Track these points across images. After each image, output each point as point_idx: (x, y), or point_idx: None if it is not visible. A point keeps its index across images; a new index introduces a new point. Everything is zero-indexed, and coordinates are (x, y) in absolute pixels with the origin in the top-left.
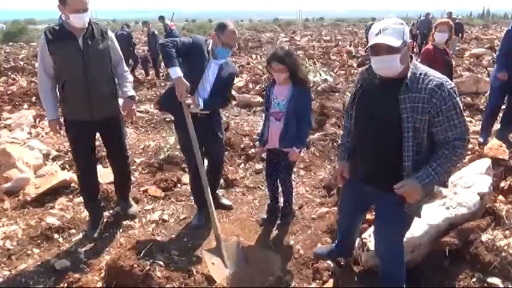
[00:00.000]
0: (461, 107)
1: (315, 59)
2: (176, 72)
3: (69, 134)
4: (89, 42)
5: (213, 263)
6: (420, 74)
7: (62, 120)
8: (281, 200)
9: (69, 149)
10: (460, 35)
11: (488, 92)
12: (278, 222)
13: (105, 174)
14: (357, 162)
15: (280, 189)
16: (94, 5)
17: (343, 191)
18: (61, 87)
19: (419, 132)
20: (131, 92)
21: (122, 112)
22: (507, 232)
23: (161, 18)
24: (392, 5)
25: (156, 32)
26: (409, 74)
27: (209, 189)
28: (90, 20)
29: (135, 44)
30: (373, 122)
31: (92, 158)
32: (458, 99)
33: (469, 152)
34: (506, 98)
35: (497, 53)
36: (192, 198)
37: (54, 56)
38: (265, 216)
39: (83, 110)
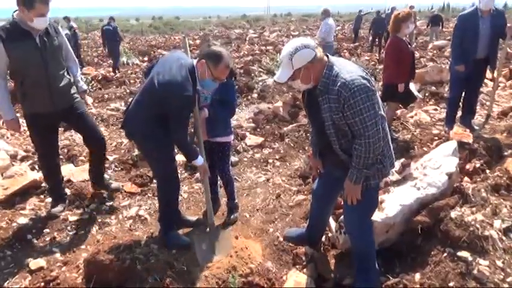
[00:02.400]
0: (367, 104)
1: None
2: (201, 159)
3: (33, 127)
4: (45, 39)
5: (202, 248)
6: (332, 75)
7: (19, 117)
8: (225, 198)
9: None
10: (440, 26)
11: (449, 83)
12: (226, 219)
13: (77, 173)
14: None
15: (221, 184)
16: (55, 3)
17: (319, 177)
18: (20, 83)
19: (340, 126)
20: (85, 87)
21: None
22: (474, 209)
23: (66, 18)
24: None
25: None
26: (321, 81)
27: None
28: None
29: (121, 39)
30: (314, 122)
31: (56, 150)
32: (361, 97)
33: (437, 138)
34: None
35: (451, 45)
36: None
37: (10, 54)
38: (214, 221)
39: (46, 103)
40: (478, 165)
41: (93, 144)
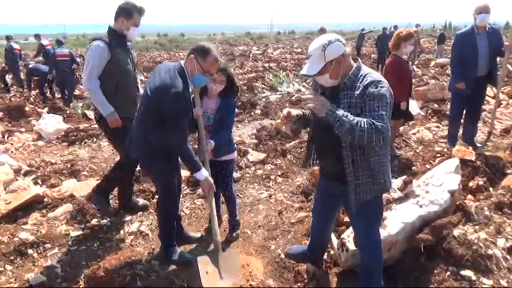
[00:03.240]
0: (389, 104)
1: (288, 71)
2: (204, 173)
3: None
4: (131, 51)
5: (207, 272)
6: (361, 75)
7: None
8: (226, 215)
9: (43, 164)
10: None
11: (450, 101)
12: (228, 236)
13: (80, 188)
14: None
15: (223, 201)
16: (63, 19)
17: (316, 193)
18: (114, 88)
19: None
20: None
21: None
22: (477, 227)
23: (37, 36)
24: (360, 18)
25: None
26: (348, 76)
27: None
28: None
29: None
30: (323, 124)
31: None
32: (387, 96)
33: (439, 155)
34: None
35: (450, 64)
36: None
37: (114, 56)
38: (219, 239)
39: (130, 108)
40: (481, 182)
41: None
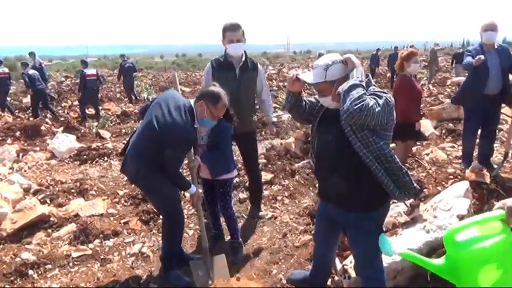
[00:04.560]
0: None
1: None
2: (194, 188)
3: None
4: (243, 72)
5: (198, 274)
6: (369, 91)
7: None
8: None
9: (53, 183)
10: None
11: (463, 120)
12: (230, 259)
13: (86, 207)
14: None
15: (223, 219)
16: (85, 41)
17: (316, 217)
18: None
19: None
20: (272, 119)
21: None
22: None
23: (31, 54)
24: (376, 37)
25: (131, 65)
26: None
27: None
28: (245, 54)
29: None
30: (329, 144)
31: None
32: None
33: (452, 177)
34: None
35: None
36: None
37: (215, 80)
38: (207, 245)
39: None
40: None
41: (249, 169)
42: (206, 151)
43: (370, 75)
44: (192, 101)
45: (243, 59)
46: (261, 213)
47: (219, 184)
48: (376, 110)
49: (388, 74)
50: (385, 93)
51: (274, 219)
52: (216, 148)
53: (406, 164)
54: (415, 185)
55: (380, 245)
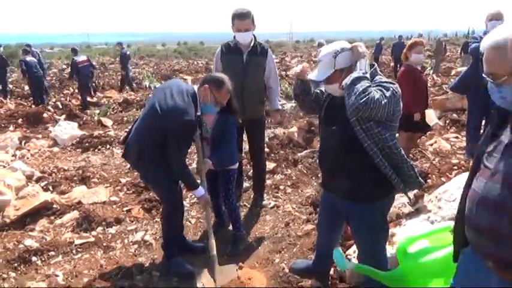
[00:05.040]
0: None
1: None
2: (202, 191)
3: None
4: (251, 57)
5: (203, 283)
6: (375, 80)
7: None
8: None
9: (56, 171)
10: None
11: (467, 111)
12: (230, 249)
13: (88, 195)
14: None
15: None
16: (86, 28)
17: (320, 206)
18: None
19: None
20: (277, 106)
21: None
22: None
23: (27, 46)
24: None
25: (128, 53)
26: None
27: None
28: (255, 40)
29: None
30: (333, 133)
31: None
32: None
33: (456, 167)
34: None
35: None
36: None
37: (223, 64)
38: (215, 253)
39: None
40: None
41: (253, 156)
42: (210, 143)
43: (376, 65)
44: (195, 87)
45: (252, 44)
46: (264, 202)
47: (222, 173)
48: (383, 102)
49: (392, 64)
50: (392, 83)
51: (276, 208)
52: (221, 140)
53: (410, 155)
54: (420, 179)
55: (334, 259)
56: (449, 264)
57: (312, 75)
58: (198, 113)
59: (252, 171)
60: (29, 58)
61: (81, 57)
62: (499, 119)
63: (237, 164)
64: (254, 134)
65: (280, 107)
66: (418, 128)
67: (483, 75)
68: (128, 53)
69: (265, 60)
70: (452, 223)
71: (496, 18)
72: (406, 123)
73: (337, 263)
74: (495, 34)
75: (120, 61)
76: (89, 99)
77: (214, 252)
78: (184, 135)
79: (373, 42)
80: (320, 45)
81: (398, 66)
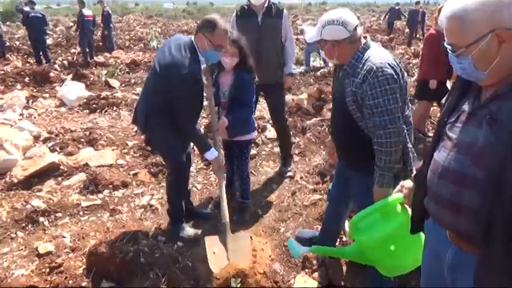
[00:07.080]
0: (391, 97)
1: None
2: (215, 153)
3: None
4: (265, 19)
5: (214, 252)
6: (363, 58)
7: None
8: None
9: (63, 131)
10: None
11: None
12: (235, 217)
13: (95, 157)
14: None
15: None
16: None
17: (334, 176)
18: None
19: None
20: (290, 70)
21: (285, 85)
22: None
23: (31, 2)
24: None
25: (110, 12)
26: (349, 62)
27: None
28: (269, 1)
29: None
30: (335, 104)
31: None
32: (385, 88)
33: None
34: None
35: None
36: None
37: (238, 28)
38: (228, 220)
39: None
40: None
41: (274, 121)
42: (227, 106)
43: (368, 37)
44: (193, 37)
45: (266, 5)
46: (289, 173)
47: (237, 145)
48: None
49: (407, 30)
50: (384, 84)
51: (283, 176)
52: (239, 104)
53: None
54: (413, 168)
55: (289, 249)
56: (403, 232)
57: (307, 36)
58: (203, 65)
59: (276, 134)
60: (27, 8)
61: (87, 11)
62: (461, 89)
63: (254, 133)
64: (274, 97)
65: (294, 72)
66: (437, 97)
67: (445, 44)
68: (110, 12)
69: (280, 21)
70: (401, 195)
71: None
72: (421, 91)
73: (292, 251)
74: (453, 3)
75: (102, 20)
76: (95, 59)
77: (227, 219)
78: (186, 91)
79: (388, 6)
80: (301, 31)
81: (413, 33)
